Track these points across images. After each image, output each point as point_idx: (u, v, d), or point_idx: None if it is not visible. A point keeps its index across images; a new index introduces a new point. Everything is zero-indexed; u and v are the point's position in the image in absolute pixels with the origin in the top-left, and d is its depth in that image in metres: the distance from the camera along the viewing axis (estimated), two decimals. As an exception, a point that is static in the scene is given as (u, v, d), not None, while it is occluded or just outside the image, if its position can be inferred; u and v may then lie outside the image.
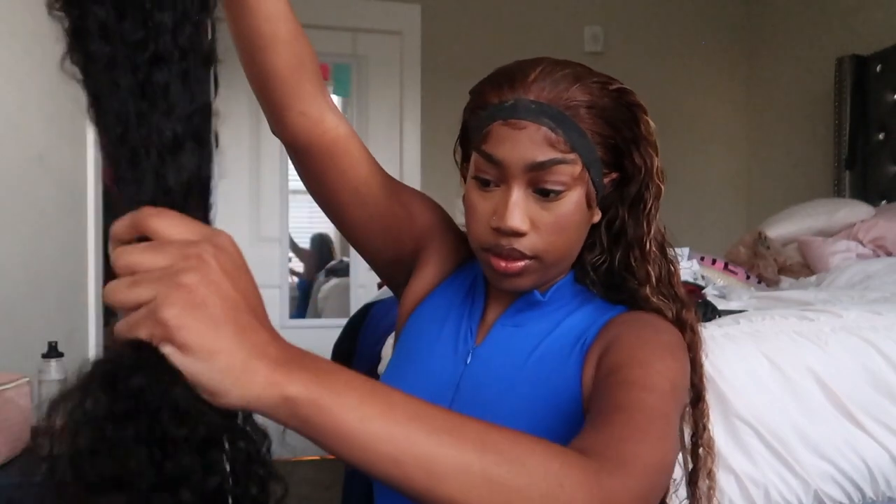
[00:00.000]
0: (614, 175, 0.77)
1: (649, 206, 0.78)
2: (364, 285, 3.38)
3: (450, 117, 3.08)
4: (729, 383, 1.12)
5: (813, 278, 2.18)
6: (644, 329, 0.73)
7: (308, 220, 3.80)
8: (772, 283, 2.29)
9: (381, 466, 0.45)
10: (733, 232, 3.29)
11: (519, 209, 0.72)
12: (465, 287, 0.87)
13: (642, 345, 0.70)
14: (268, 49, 0.67)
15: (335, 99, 3.57)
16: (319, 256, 3.99)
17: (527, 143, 0.71)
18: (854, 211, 2.56)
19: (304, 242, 4.03)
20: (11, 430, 1.18)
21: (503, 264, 0.74)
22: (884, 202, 2.79)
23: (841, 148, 3.02)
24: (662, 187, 0.78)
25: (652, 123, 0.77)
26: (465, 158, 0.84)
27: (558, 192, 0.72)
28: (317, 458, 3.34)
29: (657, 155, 0.77)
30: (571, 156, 0.72)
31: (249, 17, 0.66)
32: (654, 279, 0.78)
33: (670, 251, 0.82)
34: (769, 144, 3.66)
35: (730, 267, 2.24)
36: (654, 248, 0.79)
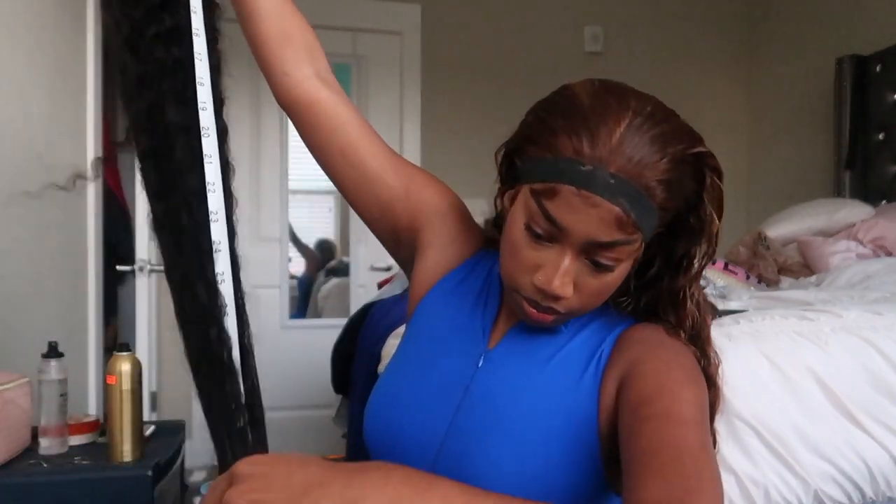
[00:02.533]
0: (660, 230, 0.73)
1: (695, 267, 0.74)
2: (364, 285, 3.37)
3: (450, 117, 3.11)
4: (729, 383, 1.11)
5: (813, 278, 2.18)
6: (663, 350, 0.73)
7: (308, 220, 3.79)
8: (772, 283, 2.29)
9: None
10: (733, 232, 3.30)
11: (568, 276, 0.69)
12: (479, 285, 0.85)
13: (666, 370, 0.70)
14: (252, 20, 0.82)
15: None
16: (322, 260, 3.99)
17: (596, 221, 0.66)
18: (854, 211, 2.56)
19: (306, 243, 4.02)
20: (11, 430, 1.18)
21: (537, 315, 0.73)
22: (884, 202, 2.78)
23: (841, 148, 3.02)
24: (716, 250, 0.74)
25: (722, 187, 0.71)
26: (510, 164, 0.79)
27: (612, 267, 0.70)
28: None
29: (720, 219, 0.72)
30: (636, 236, 0.68)
31: (249, 12, 0.82)
32: (685, 333, 0.75)
33: (704, 303, 0.77)
34: (769, 144, 3.66)
35: (730, 267, 2.24)
36: (689, 304, 0.75)
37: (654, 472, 0.60)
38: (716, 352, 0.77)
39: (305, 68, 0.85)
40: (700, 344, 0.75)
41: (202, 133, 0.71)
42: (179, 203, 0.71)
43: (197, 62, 0.69)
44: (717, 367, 0.76)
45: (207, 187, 0.76)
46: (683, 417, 0.65)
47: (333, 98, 0.85)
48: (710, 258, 0.74)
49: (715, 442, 0.75)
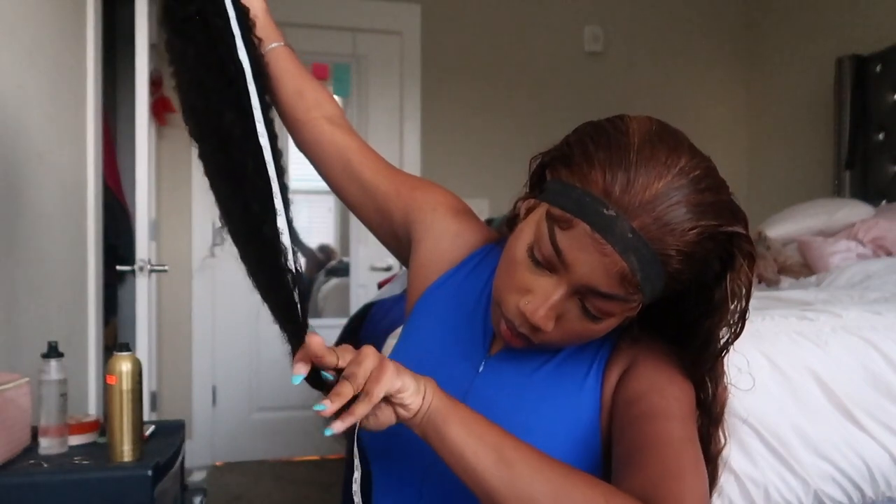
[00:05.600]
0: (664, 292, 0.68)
1: (711, 338, 0.70)
2: (364, 285, 3.38)
3: (450, 117, 3.12)
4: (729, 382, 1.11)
5: (813, 278, 2.18)
6: (658, 348, 0.74)
7: (308, 220, 3.79)
8: (772, 283, 2.29)
9: (467, 474, 0.62)
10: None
11: (553, 311, 0.68)
12: (481, 284, 0.85)
13: (658, 368, 0.71)
14: (274, 85, 0.97)
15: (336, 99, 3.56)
16: (322, 261, 3.99)
17: (599, 269, 0.64)
18: (854, 211, 2.56)
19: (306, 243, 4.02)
20: (11, 430, 1.18)
21: (510, 338, 0.72)
22: (884, 202, 2.79)
23: (841, 148, 3.02)
24: (740, 332, 0.70)
25: (750, 276, 0.67)
26: (541, 172, 0.76)
27: (600, 318, 0.68)
28: (317, 458, 3.34)
29: (747, 302, 0.68)
30: (636, 297, 0.65)
31: (270, 78, 0.95)
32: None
33: (725, 380, 0.74)
34: (769, 144, 3.66)
35: (730, 267, 2.23)
36: (703, 377, 0.72)
37: (636, 465, 0.62)
38: (725, 386, 0.74)
39: (313, 112, 0.97)
40: (706, 416, 0.73)
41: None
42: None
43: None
44: (723, 404, 0.74)
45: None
46: (669, 413, 0.66)
47: (335, 131, 0.95)
48: (734, 338, 0.70)
49: (715, 482, 0.75)
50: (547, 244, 0.66)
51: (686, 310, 0.71)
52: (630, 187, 0.62)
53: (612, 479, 0.64)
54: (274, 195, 0.79)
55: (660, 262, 0.63)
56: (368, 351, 0.63)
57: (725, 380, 0.75)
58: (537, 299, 0.67)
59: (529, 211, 0.72)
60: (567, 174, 0.67)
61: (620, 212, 0.62)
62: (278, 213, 0.78)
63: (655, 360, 0.72)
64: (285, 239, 0.77)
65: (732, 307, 0.68)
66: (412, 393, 0.62)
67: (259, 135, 0.79)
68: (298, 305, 0.68)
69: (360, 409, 0.60)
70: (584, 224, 0.63)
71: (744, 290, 0.67)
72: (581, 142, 0.68)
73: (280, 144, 0.89)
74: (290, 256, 0.73)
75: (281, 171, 0.83)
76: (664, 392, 0.68)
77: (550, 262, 0.67)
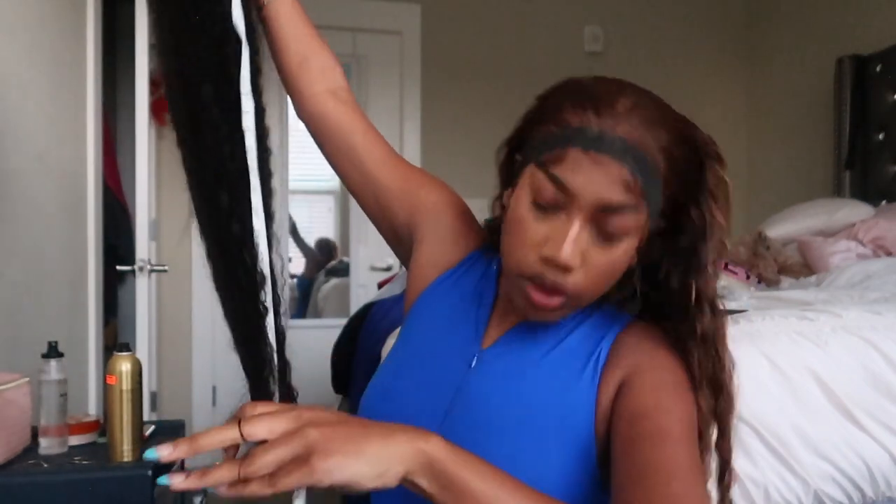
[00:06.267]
0: (662, 224, 0.72)
1: (702, 263, 0.72)
2: (364, 285, 3.38)
3: (450, 117, 3.11)
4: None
5: (813, 278, 2.18)
6: (659, 362, 0.73)
7: (308, 220, 3.79)
8: (772, 283, 2.29)
9: None
10: (733, 232, 3.29)
11: (577, 245, 0.68)
12: (474, 282, 0.84)
13: (662, 385, 0.70)
14: (275, 48, 0.93)
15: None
16: (322, 260, 4.00)
17: (603, 181, 0.66)
18: (854, 211, 2.56)
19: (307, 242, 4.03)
20: (11, 430, 1.18)
21: (542, 298, 0.70)
22: (884, 202, 2.79)
23: (841, 148, 3.02)
24: (724, 247, 0.72)
25: (726, 178, 0.71)
26: (511, 163, 0.78)
27: (618, 238, 0.69)
28: (317, 458, 3.34)
29: (723, 212, 0.71)
30: (642, 205, 0.67)
31: (272, 37, 0.92)
32: (697, 336, 0.72)
33: (720, 306, 0.74)
34: (769, 144, 3.66)
35: (730, 267, 2.24)
36: (702, 304, 0.73)
37: (642, 495, 0.61)
38: (731, 357, 0.74)
39: (317, 86, 0.92)
40: (711, 346, 0.73)
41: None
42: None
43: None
44: (730, 373, 0.74)
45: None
46: (676, 435, 0.65)
47: (339, 108, 0.92)
48: (716, 254, 0.72)
49: (730, 468, 0.74)
50: (547, 185, 0.68)
51: (678, 261, 0.73)
52: (602, 110, 0.67)
53: (612, 498, 0.64)
54: (252, 190, 0.75)
55: (649, 162, 0.67)
56: (302, 434, 0.55)
57: (734, 384, 0.74)
58: (558, 239, 0.68)
59: (514, 188, 0.74)
60: (541, 128, 0.71)
61: (602, 127, 0.66)
62: (255, 211, 0.75)
63: (658, 375, 0.71)
64: (261, 241, 0.75)
65: (717, 219, 0.71)
66: (370, 479, 0.55)
67: (243, 112, 0.73)
68: (273, 350, 0.65)
69: (249, 489, 0.53)
70: (575, 149, 0.67)
71: (722, 197, 0.71)
72: (541, 102, 0.73)
73: (277, 143, 0.87)
74: (261, 261, 0.71)
75: (265, 168, 0.78)
76: (669, 412, 0.67)
77: (556, 201, 0.68)
